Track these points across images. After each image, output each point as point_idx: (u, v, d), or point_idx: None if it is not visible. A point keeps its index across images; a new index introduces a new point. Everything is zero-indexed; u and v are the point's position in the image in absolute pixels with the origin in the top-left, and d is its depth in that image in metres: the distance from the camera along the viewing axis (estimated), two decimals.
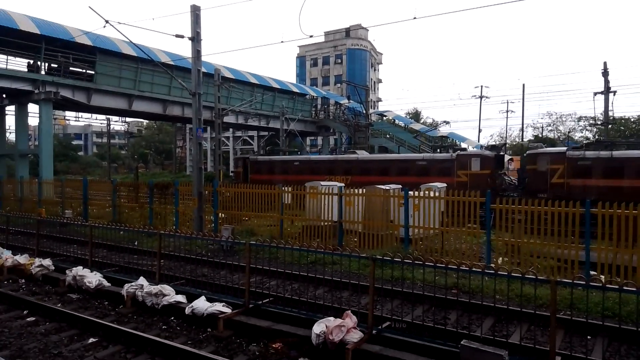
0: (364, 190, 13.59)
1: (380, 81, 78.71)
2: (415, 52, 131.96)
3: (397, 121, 53.13)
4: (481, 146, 38.32)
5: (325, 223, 13.33)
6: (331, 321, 5.96)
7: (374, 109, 62.21)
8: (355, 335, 5.80)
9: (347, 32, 64.78)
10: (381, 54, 78.47)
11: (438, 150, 29.17)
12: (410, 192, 12.37)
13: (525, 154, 23.77)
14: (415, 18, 10.33)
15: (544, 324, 6.90)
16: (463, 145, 42.70)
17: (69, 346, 6.29)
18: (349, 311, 6.17)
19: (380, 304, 7.99)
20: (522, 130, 46.72)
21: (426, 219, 11.86)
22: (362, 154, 29.37)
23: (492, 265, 10.33)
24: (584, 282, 5.38)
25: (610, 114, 31.58)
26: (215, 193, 16.08)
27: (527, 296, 7.89)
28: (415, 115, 67.68)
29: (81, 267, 9.21)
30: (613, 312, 7.27)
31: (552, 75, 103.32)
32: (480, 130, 52.81)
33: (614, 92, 30.41)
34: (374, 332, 6.12)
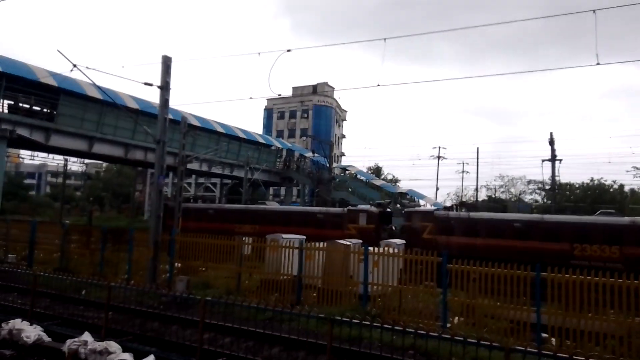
0: (325, 244, 13.59)
1: (344, 137, 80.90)
2: (379, 111, 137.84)
3: (359, 176, 54.24)
4: (435, 205, 40.07)
5: (285, 277, 13.12)
6: None
7: (337, 163, 63.44)
8: None
9: (314, 89, 67.11)
10: (346, 111, 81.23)
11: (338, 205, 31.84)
12: (370, 249, 12.47)
13: (403, 212, 26.47)
14: (379, 85, 10.93)
15: None
16: (421, 202, 43.87)
17: None
18: None
19: None
20: (476, 190, 48.65)
21: (385, 276, 11.92)
22: (272, 205, 31.19)
23: (449, 325, 10.40)
24: (536, 351, 5.52)
25: (557, 179, 33.55)
26: (173, 241, 15.61)
27: (482, 359, 7.95)
28: (377, 171, 69.39)
29: (19, 320, 8.56)
30: None
31: (505, 142, 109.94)
32: (437, 189, 54.51)
33: (560, 160, 32.51)
34: None
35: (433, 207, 25.71)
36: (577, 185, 50.13)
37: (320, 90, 67.04)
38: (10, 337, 8.14)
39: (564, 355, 5.36)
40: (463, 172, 53.84)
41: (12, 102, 26.53)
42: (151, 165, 38.27)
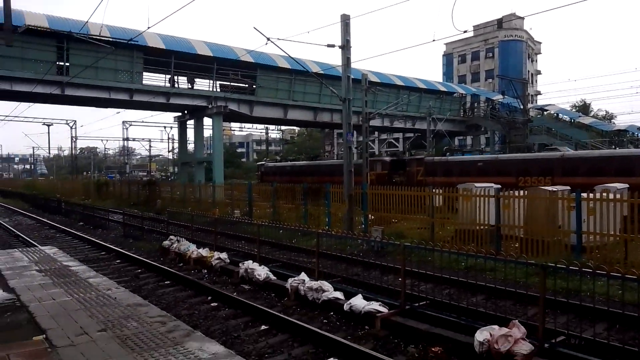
0: (525, 192, 12.48)
1: (539, 73, 71.59)
2: (582, 36, 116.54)
3: (560, 116, 47.59)
4: None
5: (481, 227, 12.57)
6: (495, 330, 5.60)
7: (532, 103, 56.76)
8: (525, 347, 5.35)
9: (500, 23, 60.34)
10: (540, 43, 71.32)
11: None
12: (584, 195, 10.95)
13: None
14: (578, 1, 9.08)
15: None
16: None
17: (245, 330, 7.06)
18: (516, 321, 5.71)
19: (549, 316, 7.22)
20: None
21: (603, 224, 10.35)
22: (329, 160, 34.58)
23: None
24: None
25: None
26: (365, 195, 16.42)
27: None
28: (584, 108, 59.72)
29: (251, 261, 10.26)
30: None
31: None
32: None
33: None
34: (546, 345, 5.56)
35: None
36: None
37: (507, 23, 59.96)
38: (246, 275, 9.84)
39: None
40: None
41: (223, 82, 31.11)
42: (337, 126, 40.51)
